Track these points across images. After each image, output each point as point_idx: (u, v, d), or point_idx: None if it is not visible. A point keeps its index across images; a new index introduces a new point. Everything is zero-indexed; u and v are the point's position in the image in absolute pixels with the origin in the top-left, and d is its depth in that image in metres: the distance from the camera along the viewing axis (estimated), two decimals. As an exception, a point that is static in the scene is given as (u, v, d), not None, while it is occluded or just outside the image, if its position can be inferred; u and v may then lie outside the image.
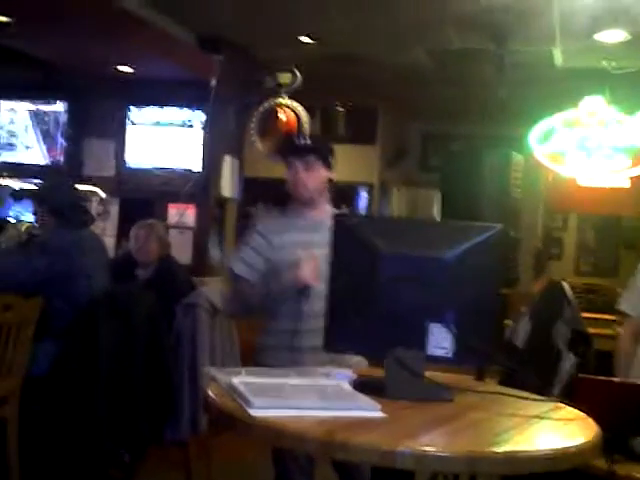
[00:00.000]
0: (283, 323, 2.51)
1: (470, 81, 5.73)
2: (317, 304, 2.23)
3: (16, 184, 6.13)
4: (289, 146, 2.72)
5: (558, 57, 5.36)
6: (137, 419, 3.06)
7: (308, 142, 2.68)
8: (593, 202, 6.30)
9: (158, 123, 6.26)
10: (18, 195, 4.00)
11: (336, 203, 2.80)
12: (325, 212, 2.60)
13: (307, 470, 2.46)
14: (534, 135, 5.78)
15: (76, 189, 3.87)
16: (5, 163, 6.50)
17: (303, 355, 2.43)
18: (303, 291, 2.40)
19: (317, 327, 2.07)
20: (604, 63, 5.25)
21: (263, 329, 2.60)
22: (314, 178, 2.59)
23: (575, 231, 7.56)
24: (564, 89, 5.59)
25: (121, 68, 5.96)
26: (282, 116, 5.68)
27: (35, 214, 3.57)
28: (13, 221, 4.94)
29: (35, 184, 5.08)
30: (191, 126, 6.17)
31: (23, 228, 4.18)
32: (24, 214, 5.37)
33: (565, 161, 5.79)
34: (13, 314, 2.92)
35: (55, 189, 3.53)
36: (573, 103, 5.67)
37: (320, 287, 2.18)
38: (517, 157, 5.28)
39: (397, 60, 5.67)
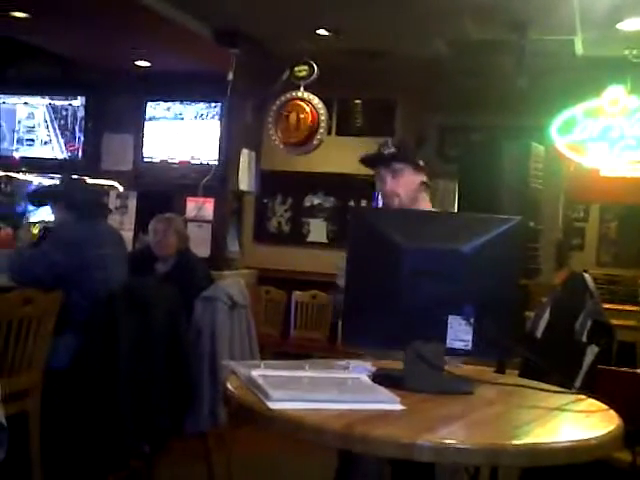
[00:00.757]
0: None
1: (489, 72, 5.67)
2: None
3: (35, 179, 6.18)
4: (375, 156, 2.63)
5: (579, 46, 5.29)
6: (157, 411, 3.07)
7: (392, 150, 2.56)
8: (615, 192, 6.22)
9: (175, 117, 6.27)
10: (35, 200, 3.94)
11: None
12: None
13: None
14: (555, 125, 5.72)
15: (90, 184, 3.88)
16: (24, 158, 6.56)
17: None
18: None
19: None
20: (625, 52, 5.19)
21: None
22: (404, 185, 2.55)
23: (597, 222, 7.47)
24: (585, 79, 5.52)
25: (138, 62, 5.98)
26: (299, 109, 5.66)
27: (53, 213, 3.60)
28: (29, 220, 4.96)
29: (52, 178, 5.10)
30: (208, 120, 6.18)
31: (36, 229, 4.20)
32: (39, 211, 5.36)
33: (587, 151, 5.72)
34: (33, 308, 2.93)
35: (69, 188, 3.55)
36: (594, 93, 5.60)
37: None
38: (537, 148, 5.21)
39: (415, 52, 5.62)
